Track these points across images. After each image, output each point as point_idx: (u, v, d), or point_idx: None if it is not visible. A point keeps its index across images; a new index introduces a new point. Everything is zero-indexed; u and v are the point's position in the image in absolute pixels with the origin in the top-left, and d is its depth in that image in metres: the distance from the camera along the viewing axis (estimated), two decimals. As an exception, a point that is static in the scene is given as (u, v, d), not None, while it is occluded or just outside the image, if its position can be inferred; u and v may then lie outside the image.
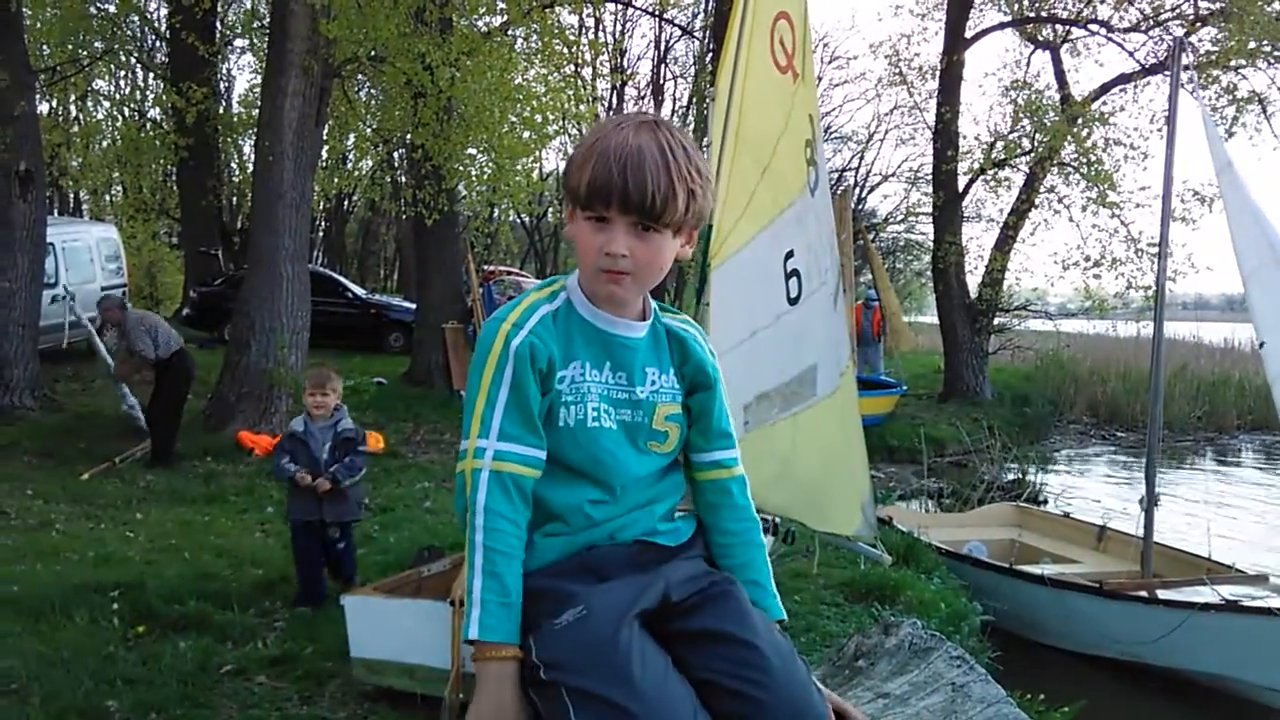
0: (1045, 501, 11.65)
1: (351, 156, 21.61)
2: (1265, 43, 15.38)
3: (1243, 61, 15.96)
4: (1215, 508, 11.92)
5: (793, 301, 4.88)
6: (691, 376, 1.82)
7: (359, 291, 22.04)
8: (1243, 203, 6.61)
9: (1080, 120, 16.67)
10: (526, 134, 12.86)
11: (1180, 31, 16.00)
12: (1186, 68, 13.34)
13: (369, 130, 16.73)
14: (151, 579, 5.61)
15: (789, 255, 4.85)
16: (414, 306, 17.86)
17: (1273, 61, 16.07)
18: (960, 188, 18.61)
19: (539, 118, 12.82)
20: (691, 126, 17.94)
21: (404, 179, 17.92)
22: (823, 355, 5.08)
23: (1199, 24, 16.53)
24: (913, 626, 2.23)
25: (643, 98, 33.27)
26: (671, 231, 1.66)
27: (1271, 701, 6.15)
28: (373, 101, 16.66)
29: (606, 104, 29.81)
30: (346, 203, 35.60)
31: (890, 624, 2.22)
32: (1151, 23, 17.12)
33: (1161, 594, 6.79)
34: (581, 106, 15.80)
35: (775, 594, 1.85)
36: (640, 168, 1.60)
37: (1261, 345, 6.31)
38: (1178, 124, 7.18)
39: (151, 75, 25.30)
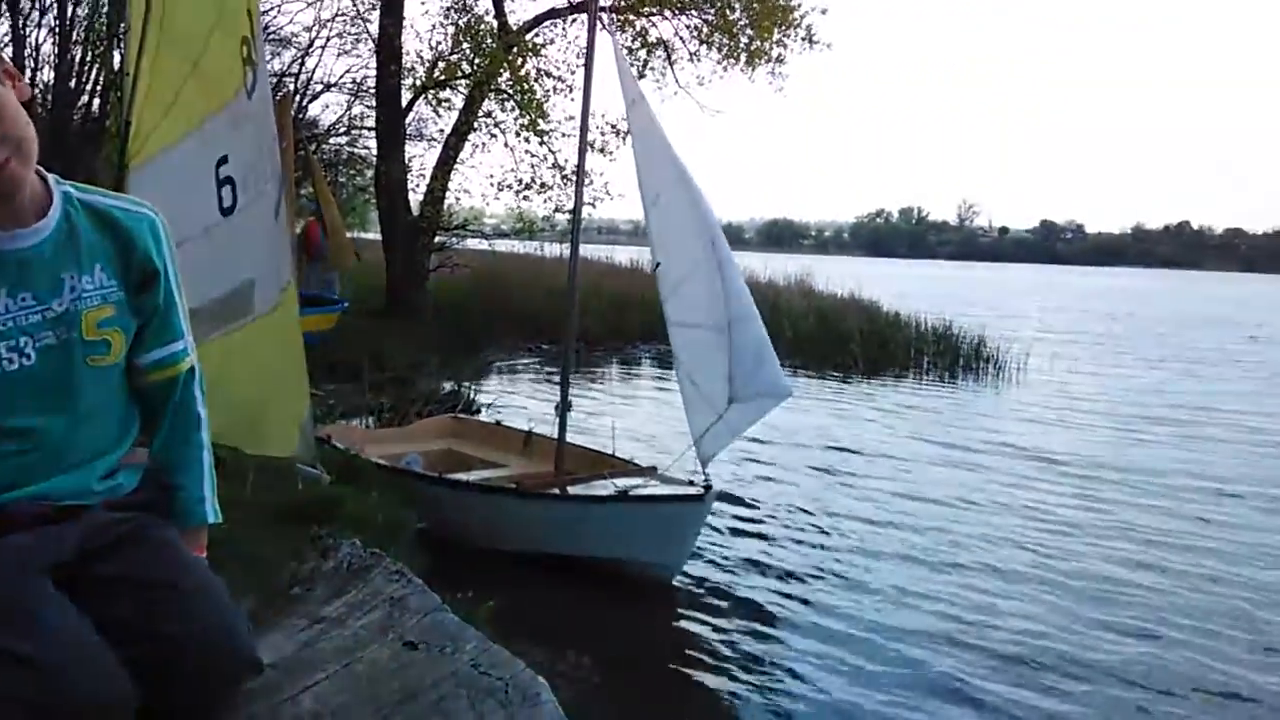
0: (479, 411, 12.35)
1: None
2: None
3: (654, 10, 17.88)
4: (620, 409, 13.57)
5: (226, 212, 4.55)
6: (140, 267, 1.61)
7: None
8: (648, 134, 7.24)
9: (515, 49, 17.53)
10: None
11: (600, -26, 17.45)
12: (604, 9, 14.60)
13: None
14: None
15: (222, 161, 4.51)
16: None
17: (677, 12, 18.18)
18: (403, 104, 18.69)
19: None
20: (105, 9, 15.76)
21: None
22: (262, 271, 4.84)
23: (620, -31, 18.15)
24: (351, 547, 2.25)
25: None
26: None
27: (655, 574, 7.09)
28: None
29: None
30: None
31: (328, 547, 2.23)
32: (579, -38, 18.41)
33: (571, 490, 7.45)
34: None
35: (206, 496, 1.74)
36: None
37: (657, 266, 7.09)
38: (595, 62, 7.78)
39: None
